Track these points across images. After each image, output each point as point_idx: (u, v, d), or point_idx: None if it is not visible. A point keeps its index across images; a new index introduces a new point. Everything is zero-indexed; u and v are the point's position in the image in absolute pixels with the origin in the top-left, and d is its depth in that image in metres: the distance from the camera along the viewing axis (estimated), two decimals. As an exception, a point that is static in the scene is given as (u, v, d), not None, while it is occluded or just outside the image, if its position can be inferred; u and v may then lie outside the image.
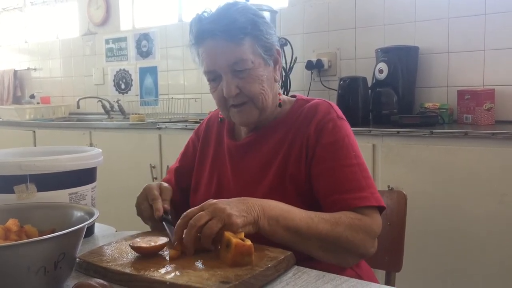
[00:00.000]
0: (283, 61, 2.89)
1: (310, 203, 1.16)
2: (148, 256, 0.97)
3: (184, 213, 0.99)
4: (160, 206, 1.14)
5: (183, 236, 0.96)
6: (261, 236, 1.02)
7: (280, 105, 1.26)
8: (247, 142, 1.26)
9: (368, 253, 1.10)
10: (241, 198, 1.02)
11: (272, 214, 1.02)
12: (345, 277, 0.91)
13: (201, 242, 0.95)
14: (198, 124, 1.46)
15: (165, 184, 1.22)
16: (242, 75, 1.17)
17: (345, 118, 1.22)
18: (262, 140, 1.24)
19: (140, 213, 1.19)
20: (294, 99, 1.29)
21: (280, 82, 1.31)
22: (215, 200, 0.99)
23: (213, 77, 1.20)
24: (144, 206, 1.16)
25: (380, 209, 1.13)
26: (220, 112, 1.29)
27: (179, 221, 0.98)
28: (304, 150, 1.17)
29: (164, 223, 1.12)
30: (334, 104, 1.24)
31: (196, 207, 0.99)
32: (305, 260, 1.02)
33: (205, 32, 1.16)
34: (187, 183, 1.35)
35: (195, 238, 0.95)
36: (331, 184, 1.13)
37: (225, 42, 1.15)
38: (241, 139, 1.28)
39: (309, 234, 1.04)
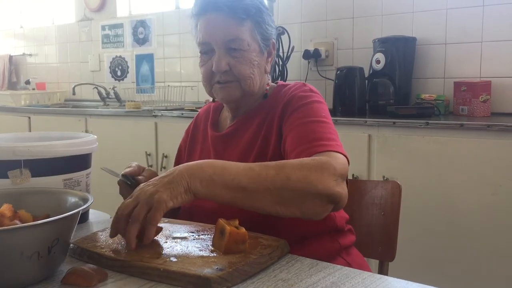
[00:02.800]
0: (281, 50, 2.88)
1: None
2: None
3: (118, 211, 0.94)
4: (128, 170, 1.19)
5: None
6: (255, 224, 1.02)
7: (266, 95, 1.26)
8: (228, 132, 1.26)
9: (333, 192, 0.96)
10: (170, 170, 0.96)
11: (203, 175, 0.93)
12: (338, 266, 0.91)
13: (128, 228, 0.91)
14: (194, 112, 1.47)
15: (153, 170, 1.25)
16: (235, 54, 1.17)
17: (318, 93, 1.21)
18: (243, 128, 1.24)
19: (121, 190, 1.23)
20: (275, 85, 1.30)
21: (270, 77, 1.31)
22: (142, 184, 0.95)
23: (206, 50, 1.20)
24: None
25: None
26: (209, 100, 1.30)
27: (115, 218, 0.93)
28: (277, 125, 1.17)
29: (122, 178, 1.19)
30: (309, 84, 1.24)
31: (128, 201, 0.94)
32: (295, 245, 1.02)
33: (210, 4, 1.17)
34: None
35: (125, 229, 0.91)
36: (296, 139, 1.09)
37: (226, 17, 1.16)
38: (223, 130, 1.29)
39: (253, 185, 0.93)
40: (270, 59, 1.26)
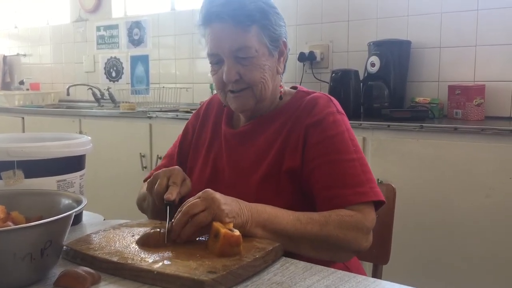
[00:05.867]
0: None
1: (303, 195, 1.16)
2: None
3: (184, 209, 0.98)
4: (175, 192, 1.11)
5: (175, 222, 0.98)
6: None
7: (281, 97, 1.25)
8: (244, 131, 1.25)
9: (362, 248, 1.10)
10: (236, 199, 1.03)
11: (259, 219, 1.02)
12: (332, 269, 0.91)
13: (186, 227, 0.97)
14: (189, 114, 1.45)
15: (189, 180, 1.18)
16: (245, 62, 1.16)
17: (344, 113, 1.22)
18: (259, 130, 1.23)
19: (153, 183, 1.15)
20: (294, 90, 1.29)
21: (283, 74, 1.31)
22: (213, 192, 1.00)
23: (216, 61, 1.19)
24: (161, 182, 1.13)
25: (379, 203, 1.13)
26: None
27: (179, 216, 0.98)
28: (301, 141, 1.16)
29: (168, 208, 1.09)
30: (333, 99, 1.23)
31: (194, 197, 1.00)
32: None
33: (213, 14, 1.16)
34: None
35: (185, 225, 0.97)
36: (329, 178, 1.12)
37: (231, 27, 1.14)
38: (239, 128, 1.28)
39: (297, 236, 1.04)
40: (282, 58, 1.24)
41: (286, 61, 1.28)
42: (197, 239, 1.01)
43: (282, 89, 1.27)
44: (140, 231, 1.05)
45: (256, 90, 1.18)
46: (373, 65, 2.59)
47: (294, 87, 1.31)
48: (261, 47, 1.17)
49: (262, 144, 1.21)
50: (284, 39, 1.24)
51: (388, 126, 2.23)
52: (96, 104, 4.04)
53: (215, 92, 1.30)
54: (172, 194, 1.09)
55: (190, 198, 1.01)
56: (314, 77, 2.99)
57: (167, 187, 1.12)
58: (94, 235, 1.03)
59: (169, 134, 2.91)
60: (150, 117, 3.08)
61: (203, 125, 1.36)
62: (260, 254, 0.91)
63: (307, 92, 1.26)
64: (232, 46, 1.15)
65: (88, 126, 3.40)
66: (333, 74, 2.65)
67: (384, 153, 2.23)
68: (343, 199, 1.09)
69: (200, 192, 1.01)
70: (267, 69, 1.18)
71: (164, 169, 1.17)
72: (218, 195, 1.00)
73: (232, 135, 1.27)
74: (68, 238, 0.94)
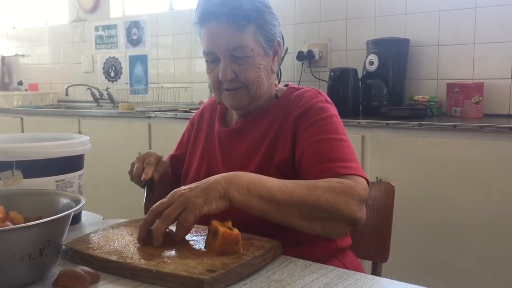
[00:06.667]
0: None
1: None
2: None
3: (151, 208, 0.96)
4: (150, 172, 1.19)
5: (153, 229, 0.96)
6: (248, 226, 1.02)
7: (277, 96, 1.27)
8: (236, 128, 1.27)
9: (356, 217, 1.03)
10: (206, 179, 0.99)
11: (240, 182, 0.97)
12: (331, 267, 0.92)
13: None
14: (188, 113, 1.46)
15: (164, 159, 1.27)
16: (240, 61, 1.17)
17: (333, 103, 1.23)
18: (251, 126, 1.25)
19: (131, 170, 1.25)
20: (285, 88, 1.30)
21: (278, 74, 1.32)
22: (180, 188, 0.98)
23: (212, 59, 1.20)
24: (138, 166, 1.22)
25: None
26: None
27: (147, 216, 0.96)
28: (291, 133, 1.17)
29: (146, 188, 1.19)
30: (322, 92, 1.25)
31: (163, 200, 0.97)
32: (292, 245, 1.02)
33: (210, 13, 1.16)
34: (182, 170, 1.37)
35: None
36: (316, 155, 1.11)
37: (228, 26, 1.15)
38: (231, 126, 1.29)
39: (285, 200, 0.98)
40: (276, 57, 1.26)
41: (280, 60, 1.29)
42: (195, 238, 1.01)
43: (277, 88, 1.28)
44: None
45: (251, 89, 1.19)
46: (371, 63, 2.60)
47: (286, 85, 1.32)
48: (257, 46, 1.18)
49: (253, 140, 1.23)
50: (279, 39, 1.25)
51: (387, 124, 2.23)
52: (95, 104, 4.04)
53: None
54: (147, 174, 1.18)
55: (159, 202, 0.97)
56: (313, 75, 2.99)
57: (144, 169, 1.21)
58: (93, 235, 1.03)
59: (168, 134, 2.92)
60: (149, 117, 3.08)
61: (198, 129, 1.38)
62: (259, 252, 0.91)
63: (297, 88, 1.28)
64: (229, 45, 1.16)
65: (87, 126, 3.40)
66: (332, 73, 2.65)
67: (383, 151, 2.23)
68: (332, 171, 1.07)
69: (169, 196, 0.97)
70: (262, 68, 1.20)
71: (138, 156, 1.26)
72: (181, 189, 0.97)
73: (225, 133, 1.28)
74: (67, 237, 0.94)
